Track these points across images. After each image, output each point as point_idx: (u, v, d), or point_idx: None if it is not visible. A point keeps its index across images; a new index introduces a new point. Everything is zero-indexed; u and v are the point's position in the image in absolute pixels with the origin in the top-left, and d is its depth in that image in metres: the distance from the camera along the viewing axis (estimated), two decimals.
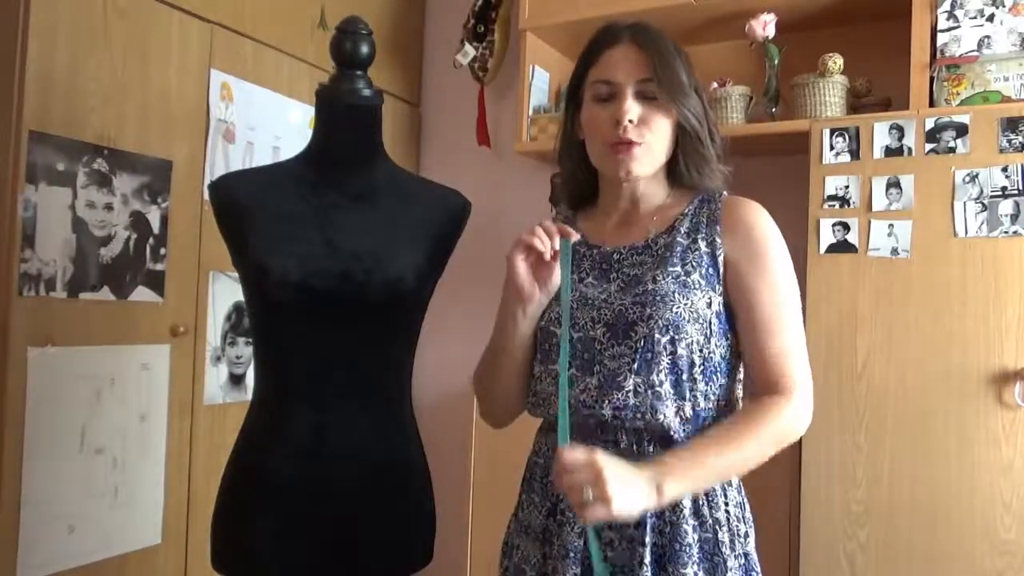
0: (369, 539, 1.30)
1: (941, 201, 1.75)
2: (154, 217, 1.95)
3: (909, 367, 1.75)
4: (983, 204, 1.71)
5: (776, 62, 2.12)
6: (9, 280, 1.66)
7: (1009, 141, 1.70)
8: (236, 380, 2.19)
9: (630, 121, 1.13)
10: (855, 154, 1.84)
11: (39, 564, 1.70)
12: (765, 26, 2.07)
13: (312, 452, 1.28)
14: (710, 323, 1.12)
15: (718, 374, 1.13)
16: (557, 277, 1.13)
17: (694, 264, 1.13)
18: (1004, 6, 1.79)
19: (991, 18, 1.80)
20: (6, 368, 1.65)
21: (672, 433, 1.09)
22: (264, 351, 1.35)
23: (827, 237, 1.85)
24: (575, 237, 1.13)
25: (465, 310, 2.34)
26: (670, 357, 1.09)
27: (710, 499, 1.11)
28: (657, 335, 1.09)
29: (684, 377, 1.10)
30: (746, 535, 1.14)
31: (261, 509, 1.28)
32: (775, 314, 1.13)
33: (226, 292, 2.13)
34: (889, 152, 1.81)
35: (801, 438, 1.80)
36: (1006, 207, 1.69)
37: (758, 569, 1.15)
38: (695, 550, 1.08)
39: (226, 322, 2.16)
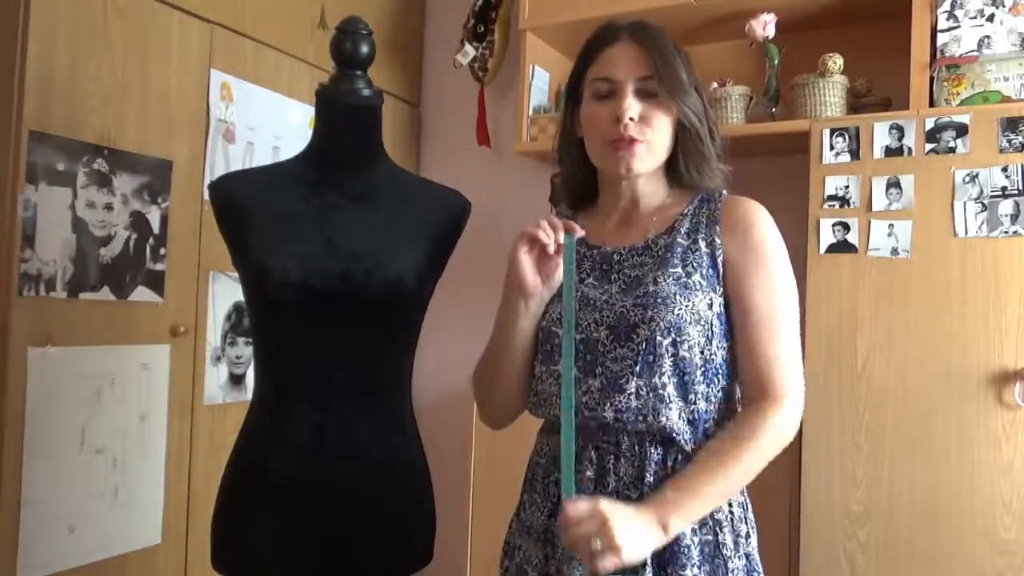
0: (369, 539, 1.30)
1: (941, 201, 1.75)
2: (154, 217, 1.95)
3: (909, 367, 1.75)
4: (983, 204, 1.71)
5: (776, 62, 2.12)
6: (9, 280, 1.66)
7: (1009, 141, 1.70)
8: (236, 380, 2.19)
9: (631, 119, 1.12)
10: (855, 154, 1.84)
11: (39, 564, 1.70)
12: (765, 26, 2.07)
13: (312, 452, 1.28)
14: (711, 324, 1.12)
15: (719, 376, 1.13)
16: (560, 273, 1.13)
17: (695, 265, 1.13)
18: (1004, 6, 1.79)
19: (991, 18, 1.80)
20: (6, 368, 1.65)
21: (675, 435, 1.09)
22: (264, 351, 1.35)
23: (827, 237, 1.85)
24: (580, 233, 1.13)
25: (465, 310, 2.34)
26: (672, 359, 1.09)
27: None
28: (659, 337, 1.09)
29: (687, 379, 1.10)
30: (748, 535, 1.14)
31: (261, 509, 1.28)
32: (770, 315, 1.12)
33: (226, 292, 2.13)
34: (889, 152, 1.81)
35: (801, 438, 1.82)
36: (1006, 207, 1.69)
37: (760, 570, 1.15)
38: (695, 552, 1.08)
39: (226, 322, 2.16)
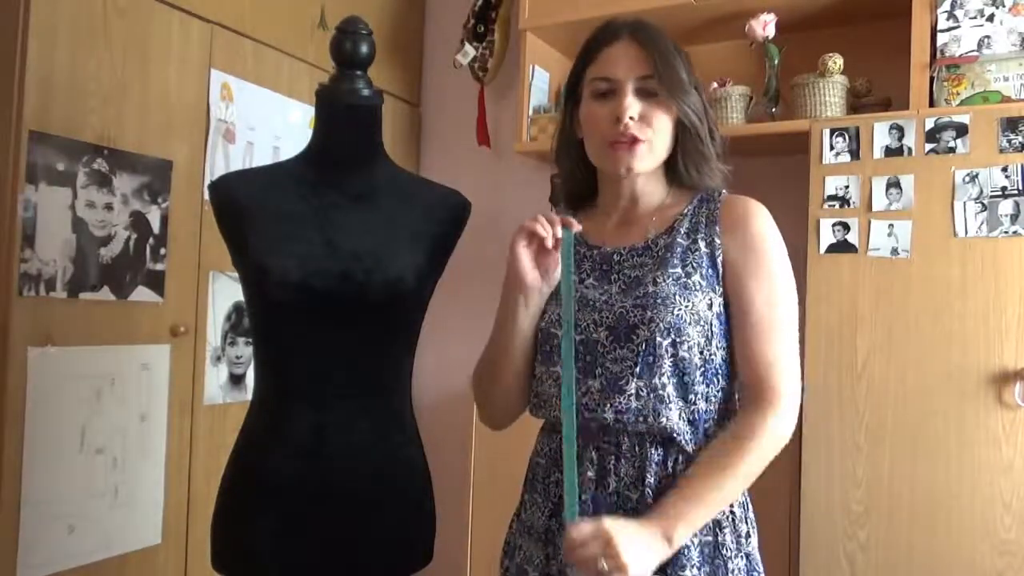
0: (369, 539, 1.30)
1: (941, 201, 1.75)
2: (154, 217, 1.95)
3: (909, 367, 1.75)
4: (983, 204, 1.71)
5: (776, 62, 2.12)
6: (9, 280, 1.66)
7: (1009, 141, 1.70)
8: (236, 380, 2.19)
9: (631, 118, 1.12)
10: (855, 154, 1.84)
11: (39, 564, 1.70)
12: (765, 26, 2.07)
13: (312, 452, 1.28)
14: (711, 325, 1.12)
15: (719, 376, 1.13)
16: (559, 270, 1.13)
17: (694, 265, 1.13)
18: (1004, 6, 1.79)
19: (991, 18, 1.80)
20: (6, 368, 1.65)
21: (675, 436, 1.09)
22: (264, 351, 1.35)
23: (827, 237, 1.85)
24: (577, 227, 1.13)
25: (465, 310, 2.34)
26: (672, 360, 1.09)
27: None
28: (659, 338, 1.09)
29: (687, 379, 1.10)
30: (748, 535, 1.14)
31: (261, 509, 1.28)
32: (769, 315, 1.11)
33: (226, 292, 2.13)
34: (889, 152, 1.81)
35: (801, 438, 1.82)
36: (1006, 207, 1.69)
37: (760, 569, 1.15)
38: (695, 553, 1.08)
39: (226, 322, 2.16)
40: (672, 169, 1.20)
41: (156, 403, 1.96)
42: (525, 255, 1.13)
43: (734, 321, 1.13)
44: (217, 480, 1.35)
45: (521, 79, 2.43)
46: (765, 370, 1.10)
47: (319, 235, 1.29)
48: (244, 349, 2.20)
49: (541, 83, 2.45)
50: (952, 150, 1.75)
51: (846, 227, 1.83)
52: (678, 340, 1.09)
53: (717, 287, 1.13)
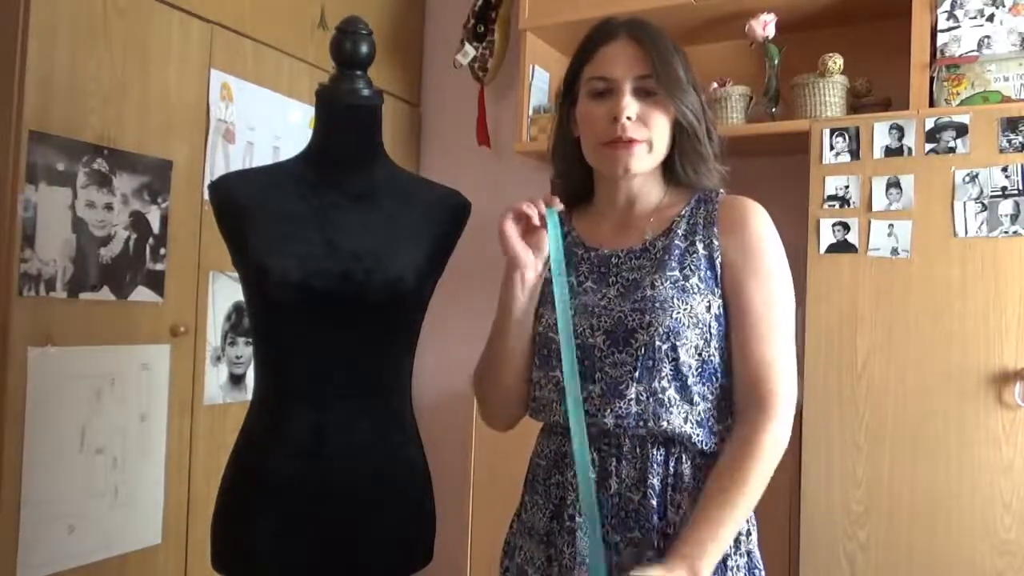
0: (369, 539, 1.30)
1: (941, 201, 1.75)
2: (154, 217, 1.95)
3: (909, 367, 1.75)
4: (983, 204, 1.71)
5: (776, 62, 2.12)
6: (9, 280, 1.66)
7: (1009, 141, 1.70)
8: (236, 380, 2.19)
9: (628, 118, 1.11)
10: (855, 154, 1.84)
11: (39, 564, 1.70)
12: (765, 26, 2.07)
13: (312, 452, 1.28)
14: (709, 327, 1.11)
15: (716, 375, 1.13)
16: (545, 250, 1.15)
17: (692, 268, 1.12)
18: (1004, 6, 1.79)
19: (991, 18, 1.80)
20: (6, 368, 1.65)
21: (681, 438, 1.09)
22: (264, 351, 1.35)
23: (827, 237, 1.85)
24: (559, 206, 1.15)
25: (465, 310, 2.33)
26: (673, 364, 1.09)
27: None
28: (658, 342, 1.08)
29: (688, 382, 1.10)
30: (748, 533, 1.14)
31: (261, 509, 1.28)
32: (765, 315, 1.10)
33: (226, 292, 2.13)
34: (889, 152, 1.81)
35: (801, 438, 1.82)
36: (1006, 207, 1.69)
37: (761, 566, 1.15)
38: None
39: (226, 322, 2.16)
40: (669, 169, 1.19)
41: (156, 403, 1.96)
42: (513, 232, 1.14)
43: (732, 321, 1.13)
44: (217, 480, 1.35)
45: (521, 79, 2.43)
46: (762, 371, 1.10)
47: (319, 235, 1.29)
48: (244, 349, 2.20)
49: (541, 83, 2.45)
50: (952, 150, 1.75)
51: (846, 227, 1.83)
52: (677, 343, 1.09)
53: (716, 289, 1.12)
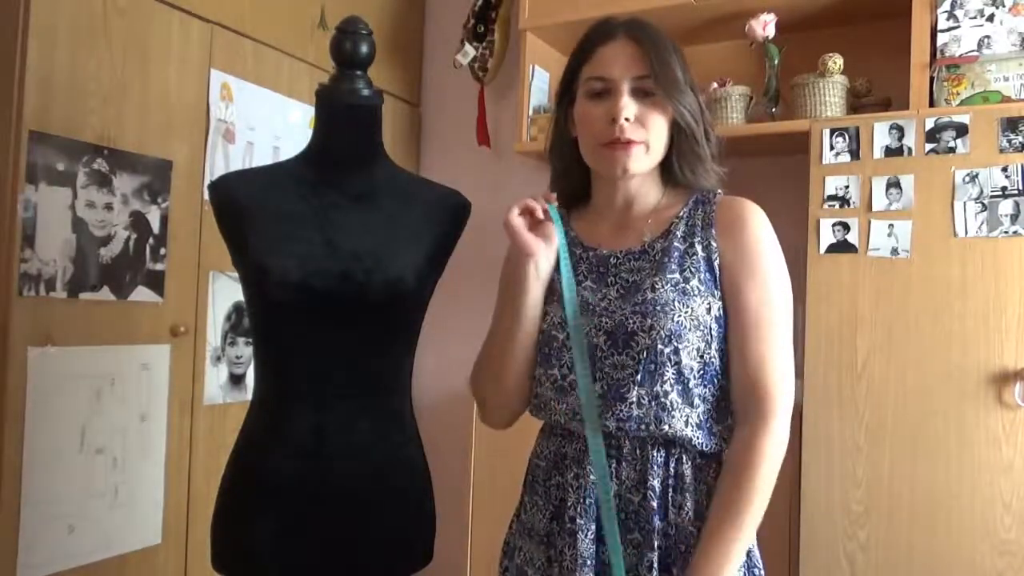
0: (369, 539, 1.30)
1: (941, 201, 1.75)
2: (154, 217, 1.95)
3: (909, 367, 1.75)
4: (983, 204, 1.71)
5: (776, 62, 2.12)
6: (9, 280, 1.66)
7: (1009, 141, 1.70)
8: (236, 380, 2.19)
9: (626, 119, 1.11)
10: (855, 154, 1.84)
11: (39, 564, 1.70)
12: (765, 26, 2.07)
13: (312, 452, 1.28)
14: (710, 329, 1.11)
15: (718, 376, 1.13)
16: (554, 240, 1.15)
17: (692, 270, 1.12)
18: (1004, 6, 1.79)
19: (991, 18, 1.80)
20: (6, 368, 1.65)
21: (682, 441, 1.09)
22: (264, 351, 1.35)
23: (827, 237, 1.85)
24: (555, 200, 1.17)
25: (465, 310, 2.33)
26: (675, 367, 1.09)
27: (711, 500, 1.11)
28: (660, 345, 1.08)
29: (690, 384, 1.10)
30: None
31: (261, 509, 1.28)
32: (762, 317, 1.10)
33: (226, 292, 2.13)
34: (889, 152, 1.81)
35: (801, 438, 1.82)
36: (1006, 207, 1.69)
37: (760, 565, 1.15)
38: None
39: (226, 322, 2.16)
40: (667, 170, 1.19)
41: (156, 403, 1.96)
42: (521, 223, 1.14)
43: (730, 322, 1.12)
44: (217, 480, 1.35)
45: (521, 79, 2.43)
46: (760, 372, 1.10)
47: (319, 235, 1.29)
48: (244, 349, 2.20)
49: (541, 83, 2.45)
50: (952, 150, 1.75)
51: (846, 227, 1.83)
52: (679, 346, 1.09)
53: (715, 291, 1.12)
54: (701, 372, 1.11)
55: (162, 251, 1.97)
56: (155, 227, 1.96)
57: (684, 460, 1.11)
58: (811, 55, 2.02)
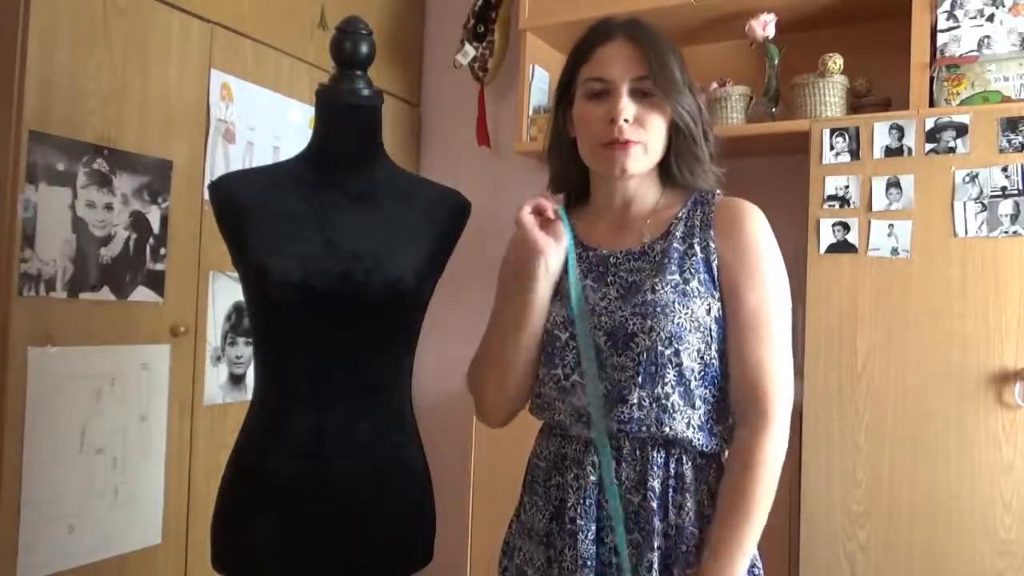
0: (369, 539, 1.30)
1: (941, 201, 1.75)
2: (154, 217, 1.95)
3: (909, 367, 1.75)
4: (983, 204, 1.71)
5: (776, 62, 2.12)
6: (9, 280, 1.66)
7: (1009, 141, 1.70)
8: (236, 380, 2.19)
9: (625, 120, 1.11)
10: (855, 154, 1.84)
11: (39, 564, 1.70)
12: (765, 26, 2.07)
13: (312, 452, 1.28)
14: (710, 330, 1.11)
15: (718, 377, 1.13)
16: (564, 240, 1.16)
17: (692, 271, 1.12)
18: (1004, 6, 1.79)
19: (991, 18, 1.80)
20: (6, 368, 1.65)
21: (678, 440, 1.09)
22: (264, 351, 1.35)
23: (827, 237, 1.85)
24: (561, 200, 1.20)
25: (465, 310, 2.33)
26: (676, 369, 1.09)
27: (713, 500, 1.11)
28: (660, 347, 1.08)
29: (691, 386, 1.10)
30: None
31: (261, 509, 1.28)
32: (760, 318, 1.10)
33: (226, 292, 2.13)
34: (889, 152, 1.81)
35: (801, 438, 1.82)
36: (1006, 207, 1.69)
37: (760, 564, 1.15)
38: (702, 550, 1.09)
39: (226, 322, 2.16)
40: (666, 170, 1.19)
41: (156, 403, 1.96)
42: (534, 221, 1.15)
43: (728, 323, 1.12)
44: (217, 480, 1.35)
45: (521, 79, 2.43)
46: (758, 374, 1.10)
47: (319, 235, 1.29)
48: (244, 349, 2.20)
49: (541, 83, 2.45)
50: (952, 150, 1.75)
51: (846, 227, 1.83)
52: (680, 348, 1.09)
53: (714, 292, 1.12)
54: (702, 373, 1.11)
55: (162, 251, 1.97)
56: (155, 227, 1.96)
57: (684, 461, 1.11)
58: (811, 55, 2.02)
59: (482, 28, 2.66)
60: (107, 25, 1.83)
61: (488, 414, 1.29)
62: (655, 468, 1.09)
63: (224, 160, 2.14)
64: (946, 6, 1.84)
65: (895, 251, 1.78)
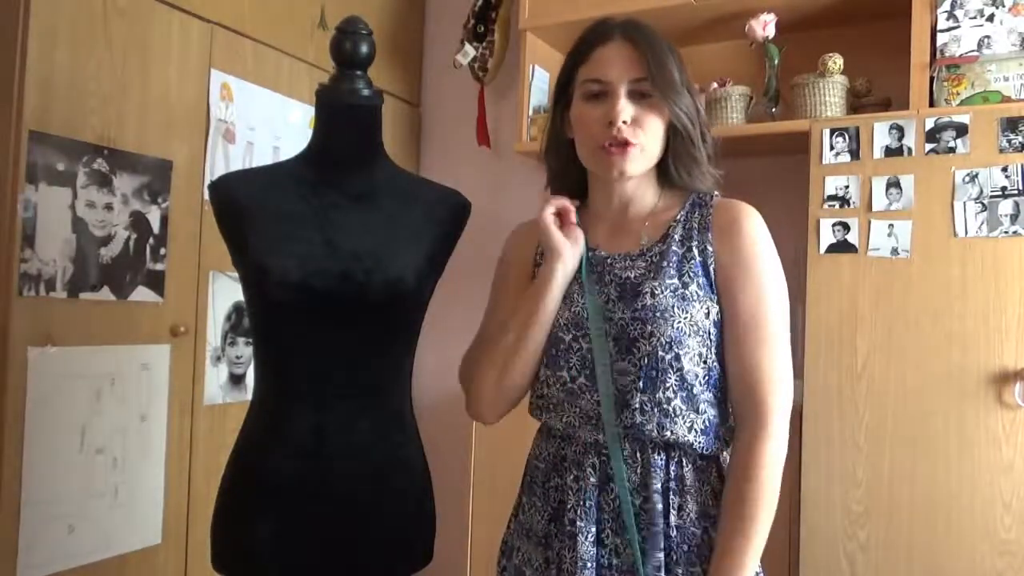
0: (369, 539, 1.30)
1: (941, 201, 1.75)
2: (154, 217, 1.95)
3: (909, 367, 1.75)
4: (983, 204, 1.71)
5: (776, 62, 2.12)
6: (9, 280, 1.66)
7: (1009, 141, 1.70)
8: (236, 380, 2.19)
9: (624, 122, 1.11)
10: (855, 154, 1.84)
11: (39, 564, 1.70)
12: (765, 26, 2.07)
13: (312, 452, 1.28)
14: (709, 333, 1.11)
15: (720, 380, 1.13)
16: (580, 243, 1.17)
17: (691, 275, 1.12)
18: (1004, 6, 1.79)
19: (991, 18, 1.80)
20: (6, 368, 1.65)
21: (679, 444, 1.09)
22: (264, 351, 1.35)
23: (827, 237, 1.85)
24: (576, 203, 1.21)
25: (465, 310, 2.33)
26: (678, 373, 1.09)
27: (717, 500, 1.11)
28: (661, 352, 1.08)
29: (695, 391, 1.10)
30: None
31: (261, 509, 1.28)
32: (756, 320, 1.10)
33: (226, 292, 2.13)
34: (889, 152, 1.81)
35: (801, 438, 1.82)
36: (1006, 207, 1.69)
37: (760, 568, 1.15)
38: (705, 550, 1.09)
39: (226, 322, 2.16)
40: (663, 172, 1.19)
41: (156, 403, 1.96)
42: (555, 222, 1.17)
43: (725, 325, 1.12)
44: (217, 480, 1.35)
45: (521, 79, 2.43)
46: (756, 377, 1.09)
47: (319, 235, 1.29)
48: (244, 349, 2.20)
49: (541, 83, 2.45)
50: (952, 150, 1.75)
51: (846, 227, 1.83)
52: (680, 352, 1.08)
53: (713, 295, 1.12)
54: (705, 378, 1.11)
55: (162, 251, 1.97)
56: (155, 227, 1.96)
57: (685, 463, 1.11)
58: (811, 55, 2.02)
59: (482, 28, 2.66)
60: (107, 25, 1.83)
61: (481, 409, 1.26)
62: (656, 471, 1.09)
63: (224, 160, 2.14)
64: (946, 6, 1.84)
65: (895, 251, 1.78)
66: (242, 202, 1.31)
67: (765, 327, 1.10)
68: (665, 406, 1.08)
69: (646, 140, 1.13)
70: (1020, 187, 1.68)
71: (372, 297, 1.28)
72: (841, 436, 1.80)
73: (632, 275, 1.14)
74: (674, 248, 1.14)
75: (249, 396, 1.44)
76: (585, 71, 1.16)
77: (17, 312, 1.67)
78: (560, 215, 1.18)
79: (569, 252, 1.16)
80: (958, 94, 1.81)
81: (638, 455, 1.10)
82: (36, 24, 1.68)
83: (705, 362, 1.11)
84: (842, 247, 1.83)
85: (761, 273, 1.12)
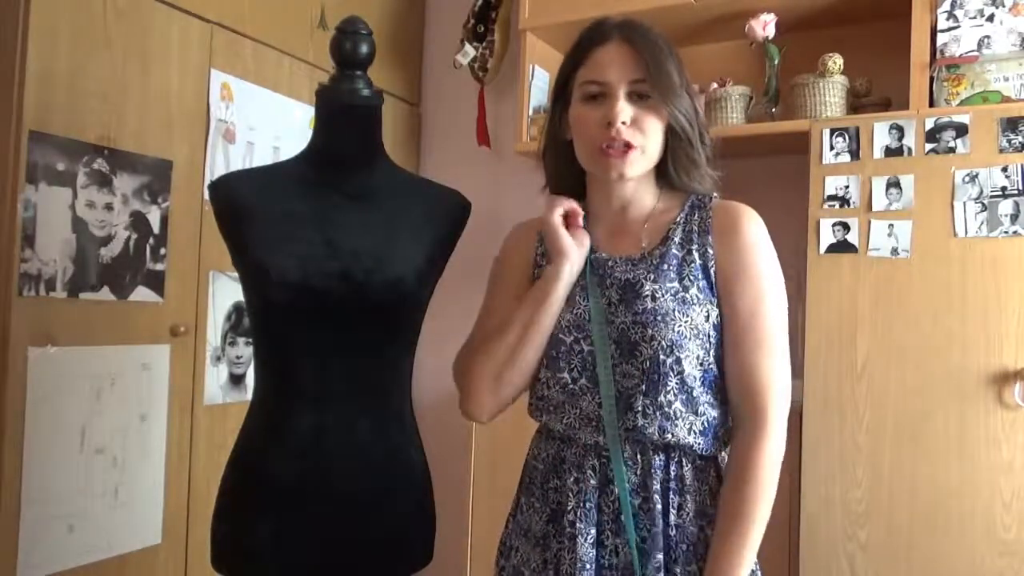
0: (369, 539, 1.30)
1: (941, 201, 1.75)
2: (154, 217, 1.95)
3: (909, 367, 1.75)
4: (983, 204, 1.71)
5: (776, 62, 2.12)
6: (9, 280, 1.66)
7: (1009, 141, 1.70)
8: (236, 380, 2.19)
9: (623, 123, 1.11)
10: (855, 154, 1.84)
11: (39, 564, 1.70)
12: (765, 26, 2.07)
13: (312, 452, 1.28)
14: (709, 336, 1.11)
15: (718, 382, 1.13)
16: (586, 244, 1.18)
17: (691, 278, 1.12)
18: (1004, 6, 1.79)
19: (991, 18, 1.80)
20: (6, 368, 1.65)
21: (679, 446, 1.09)
22: (264, 351, 1.35)
23: (827, 237, 1.85)
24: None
25: (465, 310, 2.33)
26: (678, 376, 1.09)
27: (715, 499, 1.11)
28: (662, 356, 1.08)
29: (695, 393, 1.10)
30: None
31: (261, 509, 1.28)
32: (755, 321, 1.10)
33: (226, 292, 2.13)
34: (889, 152, 1.81)
35: (801, 438, 1.82)
36: (1006, 207, 1.69)
37: (759, 570, 1.15)
38: (701, 548, 1.09)
39: (226, 322, 2.16)
40: (662, 173, 1.19)
41: (156, 403, 1.96)
42: (562, 224, 1.17)
43: (724, 327, 1.12)
44: (217, 480, 1.35)
45: (521, 79, 2.43)
46: (754, 379, 1.10)
47: (319, 235, 1.29)
48: (244, 349, 2.20)
49: (541, 83, 2.45)
50: (952, 150, 1.75)
51: (846, 227, 1.83)
52: (680, 356, 1.08)
53: (712, 298, 1.12)
54: (703, 380, 1.11)
55: (162, 251, 1.97)
56: (155, 227, 1.96)
57: (684, 463, 1.11)
58: (811, 55, 2.02)
59: (482, 28, 2.66)
60: (107, 25, 1.83)
61: (475, 409, 1.24)
62: (655, 471, 1.09)
63: (224, 160, 2.14)
64: (946, 6, 1.84)
65: (895, 251, 1.78)
66: (242, 202, 1.31)
67: (763, 329, 1.10)
68: (666, 409, 1.08)
69: (645, 142, 1.13)
70: (1020, 187, 1.68)
71: (372, 297, 1.28)
72: (841, 436, 1.80)
73: (633, 278, 1.13)
74: (674, 251, 1.14)
75: (249, 396, 1.44)
76: (584, 72, 1.16)
77: (17, 312, 1.67)
78: (566, 217, 1.18)
79: (576, 254, 1.16)
80: (958, 94, 1.81)
81: (638, 457, 1.10)
82: (36, 24, 1.68)
83: (703, 365, 1.11)
84: (842, 247, 1.83)
85: (760, 275, 1.11)
